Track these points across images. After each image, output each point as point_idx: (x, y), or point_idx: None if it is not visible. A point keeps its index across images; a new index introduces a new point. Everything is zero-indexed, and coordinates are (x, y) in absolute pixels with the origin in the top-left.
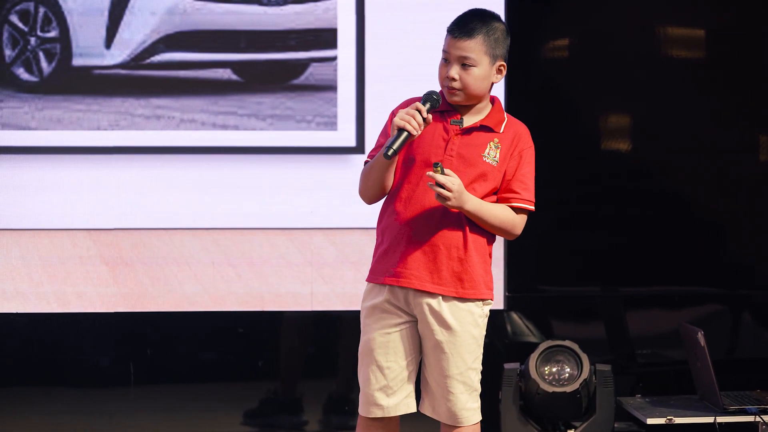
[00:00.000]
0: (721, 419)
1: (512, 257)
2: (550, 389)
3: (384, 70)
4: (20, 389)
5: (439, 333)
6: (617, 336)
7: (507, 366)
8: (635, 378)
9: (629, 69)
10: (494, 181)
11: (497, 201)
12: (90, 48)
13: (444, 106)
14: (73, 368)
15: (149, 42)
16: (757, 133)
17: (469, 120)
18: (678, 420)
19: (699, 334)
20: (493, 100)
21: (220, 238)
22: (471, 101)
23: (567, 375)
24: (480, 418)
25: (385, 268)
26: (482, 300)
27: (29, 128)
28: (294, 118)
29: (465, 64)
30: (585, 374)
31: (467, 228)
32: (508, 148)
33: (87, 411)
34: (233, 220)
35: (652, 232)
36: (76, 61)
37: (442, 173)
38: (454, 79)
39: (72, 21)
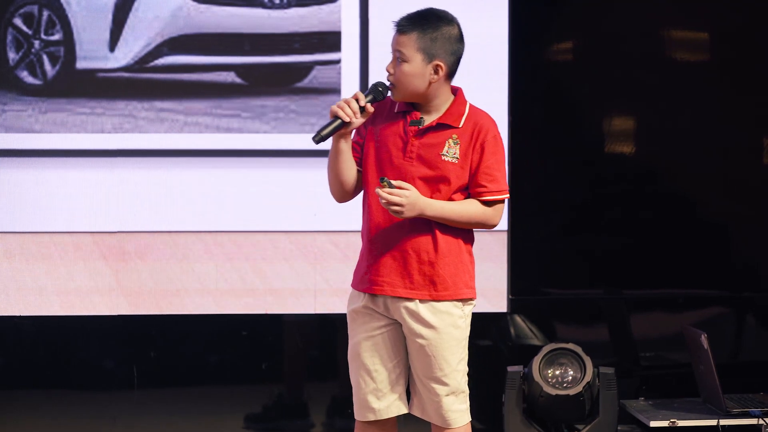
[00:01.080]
0: (724, 422)
1: (516, 260)
2: (554, 392)
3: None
4: (24, 392)
5: (420, 336)
6: (621, 339)
7: (510, 369)
8: (639, 381)
9: (634, 72)
10: (459, 179)
11: (468, 196)
12: (94, 51)
13: (404, 106)
14: (76, 371)
15: (153, 45)
16: (761, 135)
17: (429, 119)
18: (681, 423)
19: (702, 336)
20: (456, 91)
21: (224, 241)
22: (411, 99)
23: (570, 378)
24: (469, 419)
25: (362, 276)
26: (461, 300)
27: (33, 131)
28: (298, 120)
29: (399, 58)
30: (588, 377)
31: (436, 230)
32: (468, 143)
33: (90, 414)
34: (237, 222)
35: (656, 234)
36: (80, 64)
37: (390, 187)
38: (389, 73)
39: (76, 24)
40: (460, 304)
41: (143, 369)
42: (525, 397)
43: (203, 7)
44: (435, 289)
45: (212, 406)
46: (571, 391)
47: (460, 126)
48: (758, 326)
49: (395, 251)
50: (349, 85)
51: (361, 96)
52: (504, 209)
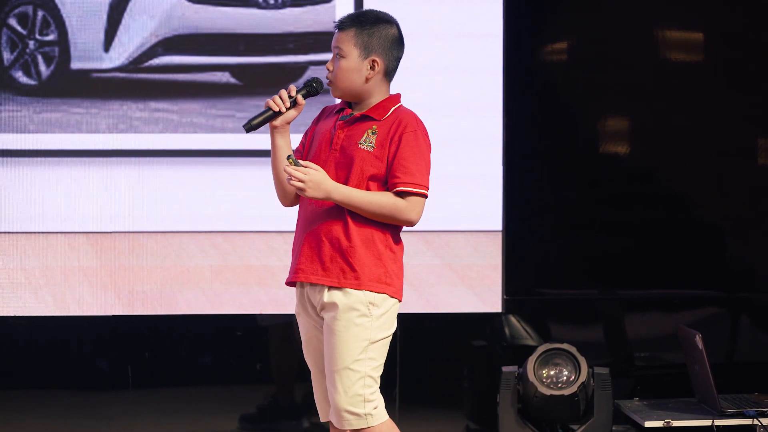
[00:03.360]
0: (719, 422)
1: (510, 260)
2: (548, 392)
3: None
4: (18, 392)
5: (325, 326)
6: (615, 339)
7: (505, 369)
8: (633, 381)
9: (629, 72)
10: (371, 168)
11: (387, 189)
12: (89, 51)
13: (342, 105)
14: (71, 371)
15: (148, 45)
16: (756, 136)
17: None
18: (676, 423)
19: (697, 337)
20: (393, 97)
21: (219, 241)
22: (347, 96)
23: (565, 378)
24: (369, 425)
25: (290, 269)
26: (364, 292)
27: (28, 131)
28: (293, 121)
29: (336, 54)
30: (583, 377)
31: (349, 219)
32: (386, 134)
33: (85, 414)
34: (231, 223)
35: (651, 235)
36: (75, 65)
37: (296, 164)
38: (328, 70)
39: (71, 24)
40: (366, 301)
41: (138, 369)
42: (520, 397)
43: (198, 7)
44: (344, 277)
45: (207, 406)
46: (566, 392)
47: (382, 120)
48: (753, 327)
49: (311, 239)
50: None
51: (293, 88)
52: (498, 210)
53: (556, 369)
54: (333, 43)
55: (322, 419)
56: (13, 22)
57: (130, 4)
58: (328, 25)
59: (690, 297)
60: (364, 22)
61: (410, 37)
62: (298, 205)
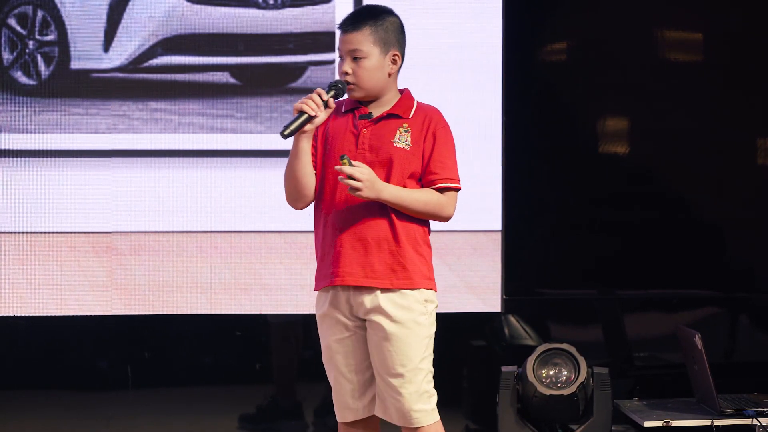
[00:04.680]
0: (718, 422)
1: (510, 260)
2: (548, 392)
3: None
4: (18, 392)
5: (381, 329)
6: (615, 339)
7: (504, 369)
8: (633, 381)
9: (628, 72)
10: (411, 166)
11: (422, 187)
12: (88, 51)
13: (352, 104)
14: (71, 371)
15: (147, 45)
16: (756, 136)
17: (378, 112)
18: (675, 423)
19: (696, 337)
20: (403, 90)
21: (218, 241)
22: (372, 95)
23: (564, 378)
24: (435, 419)
25: (323, 274)
26: (419, 291)
27: (27, 131)
28: None
29: (356, 57)
30: (582, 377)
31: (394, 218)
32: (420, 131)
33: (85, 414)
34: (231, 223)
35: (650, 235)
36: (75, 65)
37: (350, 165)
38: (347, 74)
39: (70, 24)
40: (422, 300)
41: (137, 369)
42: (519, 397)
43: (197, 7)
44: (396, 278)
45: (207, 406)
46: (565, 392)
47: (410, 117)
48: (752, 327)
49: (355, 242)
50: None
51: (323, 92)
52: (497, 210)
53: (555, 369)
54: (346, 46)
55: (347, 419)
56: (12, 22)
57: (130, 5)
58: (327, 26)
59: (689, 297)
60: (376, 18)
61: (410, 36)
62: (312, 206)
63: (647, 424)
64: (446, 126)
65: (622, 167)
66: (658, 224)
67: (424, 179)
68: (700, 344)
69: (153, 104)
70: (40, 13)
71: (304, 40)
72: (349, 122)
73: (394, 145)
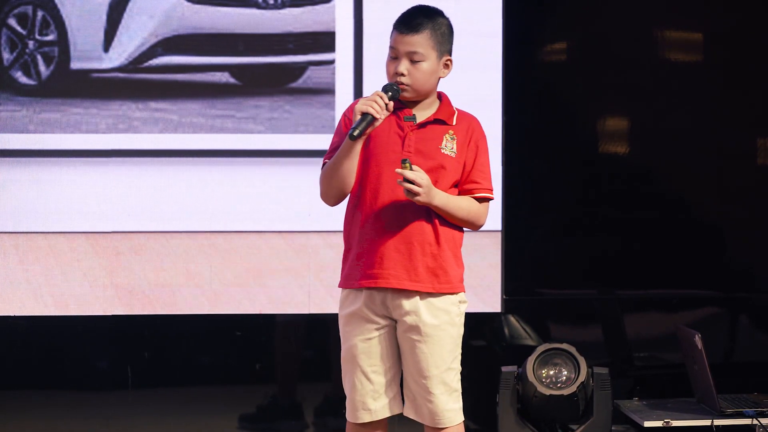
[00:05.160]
0: (718, 422)
1: (510, 260)
2: (548, 392)
3: (382, 74)
4: (18, 392)
5: (418, 332)
6: (615, 339)
7: (504, 369)
8: (633, 381)
9: (628, 72)
10: (455, 173)
11: (459, 193)
12: (88, 51)
13: (395, 104)
14: (70, 371)
15: (147, 45)
16: (755, 136)
17: (422, 115)
18: (675, 423)
19: (696, 337)
20: (441, 95)
21: (218, 241)
22: (420, 97)
23: (564, 378)
24: (462, 418)
25: (361, 272)
26: (457, 294)
27: (27, 131)
28: (292, 121)
29: (414, 59)
30: (582, 377)
31: (437, 222)
32: (464, 139)
33: (84, 414)
34: (231, 223)
35: (650, 235)
36: (75, 65)
37: (410, 169)
38: (402, 75)
39: (70, 24)
40: (457, 302)
41: (137, 369)
42: (519, 397)
43: (197, 7)
44: (438, 282)
45: (206, 406)
46: (565, 391)
47: (454, 123)
48: (752, 327)
49: (399, 244)
50: (343, 86)
51: (384, 95)
52: (497, 210)
53: (555, 369)
54: (405, 47)
55: (363, 420)
56: (12, 22)
57: (130, 4)
58: (327, 25)
59: (689, 297)
60: (435, 21)
61: None
62: (346, 204)
63: (647, 424)
64: (485, 136)
65: (623, 167)
66: (658, 224)
67: (462, 187)
68: (700, 344)
69: (153, 104)
70: (40, 13)
71: (304, 40)
72: (393, 123)
73: (442, 151)
